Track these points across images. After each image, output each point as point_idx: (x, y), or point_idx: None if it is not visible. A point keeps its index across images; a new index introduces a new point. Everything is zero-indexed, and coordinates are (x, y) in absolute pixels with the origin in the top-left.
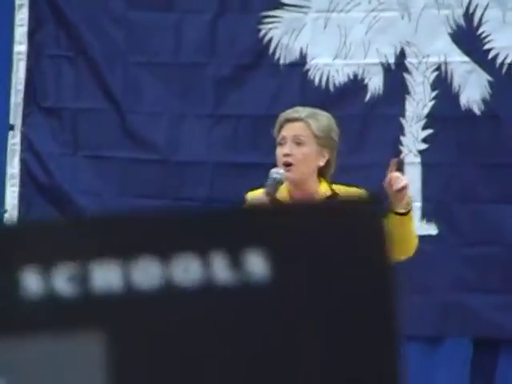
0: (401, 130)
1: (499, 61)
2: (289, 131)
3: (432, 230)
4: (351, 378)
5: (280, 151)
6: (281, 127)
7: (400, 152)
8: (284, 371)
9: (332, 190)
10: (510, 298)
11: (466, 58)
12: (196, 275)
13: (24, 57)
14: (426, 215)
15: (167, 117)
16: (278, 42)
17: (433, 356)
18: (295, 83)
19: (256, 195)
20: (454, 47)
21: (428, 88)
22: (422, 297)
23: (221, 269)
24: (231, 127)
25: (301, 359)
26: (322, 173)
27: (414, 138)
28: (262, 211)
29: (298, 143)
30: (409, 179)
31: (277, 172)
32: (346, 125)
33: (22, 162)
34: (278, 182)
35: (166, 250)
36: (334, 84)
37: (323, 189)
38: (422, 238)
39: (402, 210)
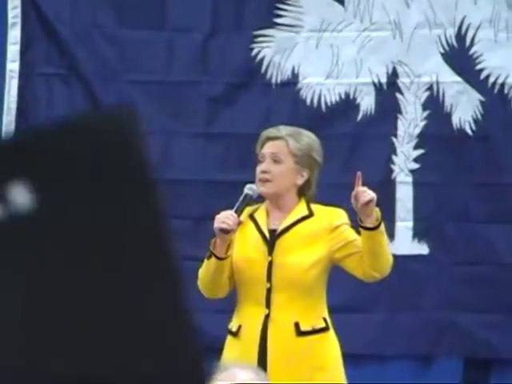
0: (393, 149)
1: (491, 81)
2: (268, 149)
3: (423, 249)
4: (127, 295)
5: (258, 168)
6: (262, 145)
7: (391, 171)
8: (60, 297)
9: (309, 209)
10: (502, 318)
11: (458, 78)
12: None
13: (16, 75)
14: (418, 234)
15: (159, 134)
16: (270, 60)
17: (424, 375)
18: (287, 102)
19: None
20: (445, 67)
21: (420, 108)
22: (413, 316)
23: None
24: (223, 145)
25: (73, 285)
26: (301, 192)
27: (405, 157)
28: (19, 140)
29: (276, 161)
30: (400, 197)
31: (249, 188)
32: (337, 144)
33: None
34: (247, 197)
35: None
36: (326, 103)
37: (300, 208)
38: (413, 257)
39: (370, 225)
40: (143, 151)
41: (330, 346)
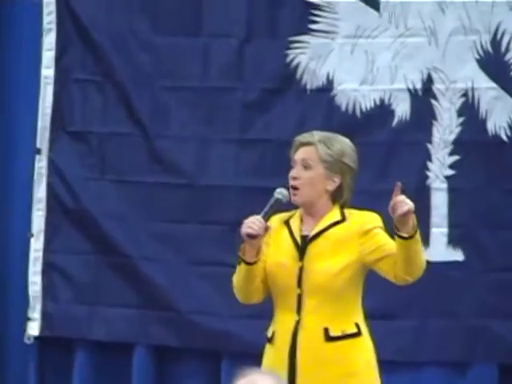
0: (428, 155)
1: None
2: (299, 155)
3: (458, 256)
4: None
5: (290, 174)
6: (295, 151)
7: (426, 178)
8: None
9: (342, 214)
10: None
11: (493, 84)
12: None
13: (51, 81)
14: (453, 241)
15: (194, 141)
16: (305, 67)
17: (458, 382)
18: (322, 108)
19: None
20: (481, 73)
21: (455, 114)
22: (448, 322)
23: None
24: (258, 152)
25: None
26: (334, 197)
27: (440, 163)
28: None
29: (306, 167)
30: (435, 204)
31: (279, 192)
32: (372, 150)
33: (49, 186)
34: (277, 201)
35: None
36: (361, 109)
37: (333, 213)
38: (447, 263)
39: (405, 235)
40: None
41: (362, 351)
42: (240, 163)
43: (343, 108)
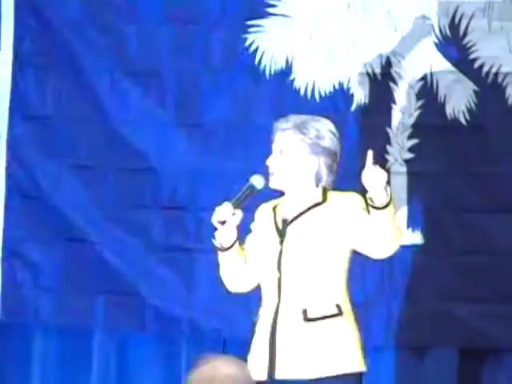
0: (387, 139)
1: (485, 70)
2: (276, 141)
3: (418, 239)
4: None
5: (267, 161)
6: (273, 137)
7: (386, 161)
8: None
9: (324, 196)
10: (497, 308)
11: (452, 68)
12: None
13: (9, 66)
14: (412, 224)
15: (154, 125)
16: (264, 51)
17: (419, 365)
18: (280, 92)
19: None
20: (439, 57)
21: (414, 98)
22: (408, 306)
23: None
24: (215, 135)
25: None
26: (315, 180)
27: (399, 147)
28: None
29: (281, 153)
30: (394, 187)
31: (254, 178)
32: None
33: (7, 171)
34: (250, 188)
35: None
36: (320, 93)
37: (314, 195)
38: (408, 247)
39: (380, 205)
40: None
41: (341, 332)
42: (197, 147)
43: (302, 92)
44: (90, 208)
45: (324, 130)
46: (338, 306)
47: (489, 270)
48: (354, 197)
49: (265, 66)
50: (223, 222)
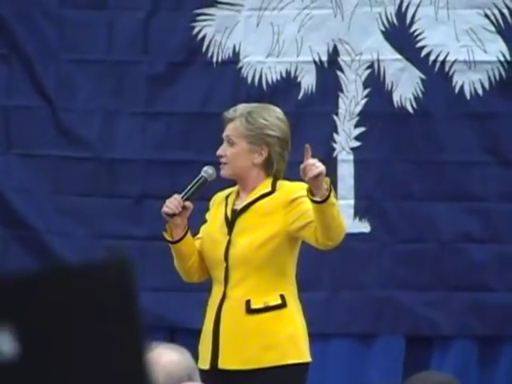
0: (334, 127)
1: (432, 58)
2: (225, 131)
3: (365, 227)
4: None
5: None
6: (224, 127)
7: (333, 149)
8: None
9: (273, 186)
10: (442, 295)
11: (399, 56)
12: None
13: None
14: (359, 213)
15: (100, 114)
16: (211, 39)
17: (366, 353)
18: (228, 81)
19: (225, 193)
20: (386, 45)
21: (361, 85)
22: (354, 294)
23: None
24: (164, 125)
25: None
26: (267, 169)
27: (346, 135)
28: (5, 284)
29: (230, 143)
30: (341, 176)
31: (205, 171)
32: None
33: None
34: (202, 180)
35: None
36: (267, 82)
37: (264, 185)
38: (354, 235)
39: (319, 199)
40: (134, 300)
41: (285, 323)
42: (146, 136)
43: (249, 80)
44: (36, 196)
45: (272, 118)
46: (283, 297)
47: (434, 257)
48: (299, 186)
49: (212, 54)
50: (172, 215)
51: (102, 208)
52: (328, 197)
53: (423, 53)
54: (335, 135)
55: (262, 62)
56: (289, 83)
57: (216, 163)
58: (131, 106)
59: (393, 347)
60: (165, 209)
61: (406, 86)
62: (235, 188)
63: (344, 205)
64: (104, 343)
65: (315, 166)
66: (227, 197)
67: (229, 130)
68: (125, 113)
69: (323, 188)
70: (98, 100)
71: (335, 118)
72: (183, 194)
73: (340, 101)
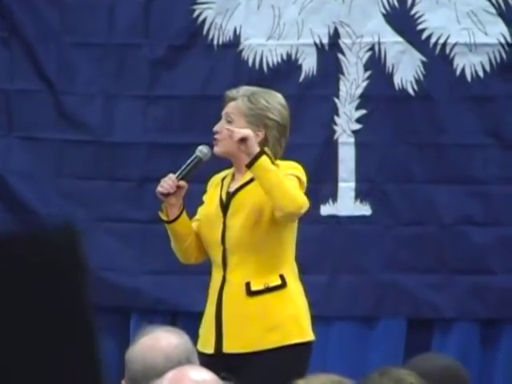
0: (335, 110)
1: (432, 41)
2: (225, 109)
3: (366, 210)
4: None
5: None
6: (224, 105)
7: (334, 132)
8: None
9: None
10: (444, 278)
11: (400, 39)
12: None
13: None
14: (360, 195)
15: (101, 98)
16: (212, 22)
17: (367, 336)
18: (229, 64)
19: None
20: (387, 27)
21: (361, 68)
22: (355, 277)
23: None
24: (165, 108)
25: None
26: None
27: (347, 118)
28: None
29: (229, 121)
30: (342, 159)
31: (200, 150)
32: None
33: None
34: (197, 159)
35: None
36: (268, 64)
37: None
38: (355, 218)
39: (247, 162)
40: (82, 264)
41: (286, 303)
42: (147, 120)
43: (250, 63)
44: (37, 179)
45: (274, 102)
46: (282, 277)
47: (435, 240)
48: (290, 165)
49: (213, 37)
50: (167, 194)
51: (103, 191)
52: (256, 160)
53: (424, 35)
54: (336, 118)
55: (262, 44)
56: (290, 66)
57: (210, 145)
58: (132, 89)
59: (394, 330)
60: (159, 189)
61: (406, 68)
62: (231, 170)
63: (345, 187)
64: (52, 305)
65: (236, 131)
66: (223, 179)
67: (229, 108)
68: (126, 96)
69: (252, 152)
70: (99, 83)
71: (336, 100)
72: (178, 173)
73: (341, 83)
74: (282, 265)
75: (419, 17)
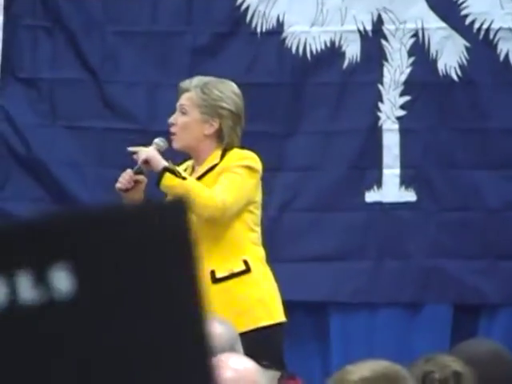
0: (379, 96)
1: (476, 26)
2: (179, 101)
3: (411, 196)
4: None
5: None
6: (178, 97)
7: (378, 119)
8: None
9: (222, 156)
10: (489, 263)
11: (443, 24)
12: (1, 297)
13: (0, 28)
14: (405, 182)
15: (144, 86)
16: (255, 10)
17: (413, 322)
18: (272, 51)
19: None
20: (430, 13)
21: (405, 54)
22: (401, 263)
23: (26, 289)
24: None
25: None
26: (218, 141)
27: (391, 104)
28: (63, 222)
29: (183, 112)
30: (386, 146)
31: (156, 142)
32: (323, 92)
33: (0, 133)
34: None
35: None
36: (311, 52)
37: (213, 157)
38: (401, 204)
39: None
40: (189, 245)
41: (251, 288)
42: None
43: (294, 50)
44: (81, 168)
45: (227, 91)
46: (246, 262)
47: (480, 226)
48: (242, 155)
49: (256, 24)
50: (126, 190)
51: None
52: (161, 177)
53: (467, 21)
54: (380, 104)
55: (306, 31)
56: (333, 53)
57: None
58: (176, 77)
59: (440, 316)
60: (117, 184)
61: (450, 54)
62: (191, 162)
63: (389, 174)
64: (159, 284)
65: (140, 152)
66: (185, 169)
67: (183, 100)
68: (169, 84)
69: (157, 169)
70: (142, 72)
71: (380, 87)
72: (135, 168)
73: (385, 70)
74: (244, 250)
75: (462, 2)
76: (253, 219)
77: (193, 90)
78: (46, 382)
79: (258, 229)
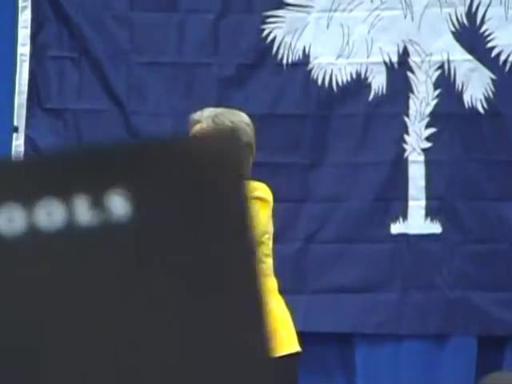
0: (404, 128)
1: (502, 58)
2: (191, 132)
3: (436, 228)
4: (211, 319)
5: None
6: (190, 128)
7: (404, 150)
8: (148, 305)
9: None
10: None
11: (469, 56)
12: (59, 219)
13: (27, 58)
14: (430, 213)
15: (171, 117)
16: (281, 41)
17: (438, 354)
18: (298, 82)
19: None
20: (456, 45)
21: (431, 86)
22: (426, 294)
23: (83, 211)
24: None
25: (161, 296)
26: None
27: (417, 136)
28: (121, 150)
29: None
30: (412, 177)
31: None
32: (349, 124)
33: None
34: None
35: (29, 196)
36: (337, 83)
37: None
38: (426, 236)
39: None
40: (240, 175)
41: None
42: None
43: (320, 82)
44: None
45: (241, 122)
46: None
47: (506, 257)
48: (253, 186)
49: (282, 56)
50: None
51: None
52: None
53: (493, 53)
54: (406, 136)
55: (332, 63)
56: (359, 84)
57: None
58: (201, 108)
59: (465, 348)
60: None
61: (476, 86)
62: None
63: (415, 206)
64: (211, 209)
65: None
66: None
67: (194, 131)
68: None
69: None
70: (168, 103)
71: (406, 118)
72: None
73: (410, 102)
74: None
75: (489, 34)
76: (263, 250)
77: (204, 120)
78: (97, 297)
79: (270, 259)
